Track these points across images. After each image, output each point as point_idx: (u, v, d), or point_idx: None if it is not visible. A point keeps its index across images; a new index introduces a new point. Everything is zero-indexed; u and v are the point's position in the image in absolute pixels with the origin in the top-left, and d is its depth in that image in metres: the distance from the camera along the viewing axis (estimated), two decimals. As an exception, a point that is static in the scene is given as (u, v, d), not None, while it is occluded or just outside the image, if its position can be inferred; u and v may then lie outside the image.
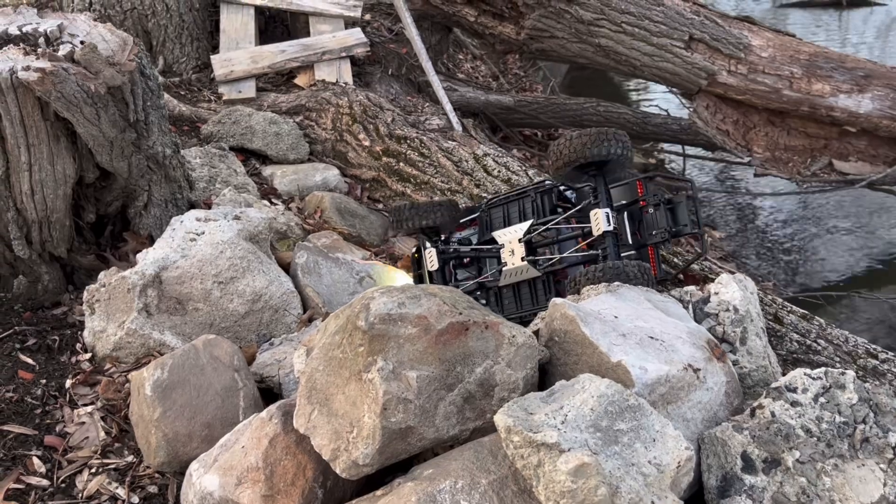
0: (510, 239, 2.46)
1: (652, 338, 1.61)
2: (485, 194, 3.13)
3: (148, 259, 2.40)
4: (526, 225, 2.43)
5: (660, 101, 6.80)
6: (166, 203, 2.77)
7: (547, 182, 2.49)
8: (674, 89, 5.07)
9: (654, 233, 2.24)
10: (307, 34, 4.38)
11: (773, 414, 1.55)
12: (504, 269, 2.45)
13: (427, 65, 3.88)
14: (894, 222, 5.58)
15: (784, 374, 2.18)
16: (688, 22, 4.45)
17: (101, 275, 2.43)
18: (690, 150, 6.07)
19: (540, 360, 1.62)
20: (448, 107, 3.74)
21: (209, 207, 3.01)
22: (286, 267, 2.76)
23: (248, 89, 3.89)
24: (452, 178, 3.27)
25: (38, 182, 2.39)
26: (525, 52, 4.84)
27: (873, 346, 2.26)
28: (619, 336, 1.59)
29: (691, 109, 4.70)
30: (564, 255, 2.35)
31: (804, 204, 5.83)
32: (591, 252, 2.29)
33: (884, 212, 5.68)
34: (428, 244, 2.65)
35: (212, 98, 3.96)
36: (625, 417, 1.36)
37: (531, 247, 2.42)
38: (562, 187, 2.49)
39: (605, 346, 1.55)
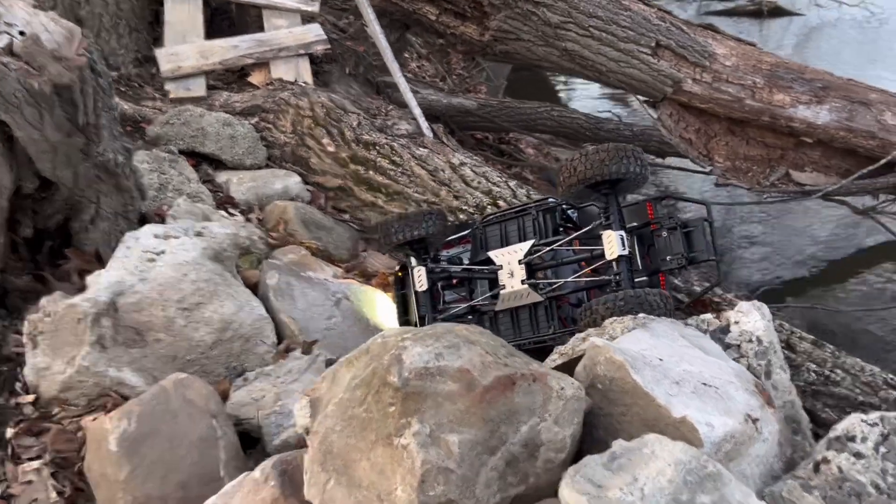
0: (509, 260, 2.26)
1: (705, 384, 1.45)
2: (465, 207, 2.93)
3: (101, 283, 2.09)
4: (527, 245, 2.24)
5: (586, 102, 6.81)
6: (116, 216, 2.45)
7: (550, 200, 2.31)
8: (638, 96, 4.99)
9: (668, 258, 2.09)
10: (258, 28, 4.07)
11: (840, 469, 1.41)
12: (502, 292, 2.26)
13: (393, 65, 3.65)
14: (837, 232, 5.67)
15: (805, 408, 2.07)
16: (654, 28, 4.36)
17: (44, 301, 2.11)
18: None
19: (582, 410, 1.43)
20: (417, 111, 3.52)
21: (162, 220, 2.69)
22: (253, 287, 2.49)
23: (198, 87, 3.57)
24: (428, 188, 3.05)
25: (-32, 194, 2.05)
26: (488, 55, 4.66)
27: (889, 376, 2.18)
28: (673, 384, 1.42)
29: (656, 117, 4.63)
30: (571, 279, 2.17)
31: (747, 213, 5.86)
32: (603, 277, 2.12)
33: (822, 221, 5.77)
34: (415, 262, 2.43)
35: (156, 96, 3.61)
36: (705, 488, 1.18)
37: (532, 269, 2.24)
38: (564, 206, 2.31)
39: (661, 397, 1.37)
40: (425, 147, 3.34)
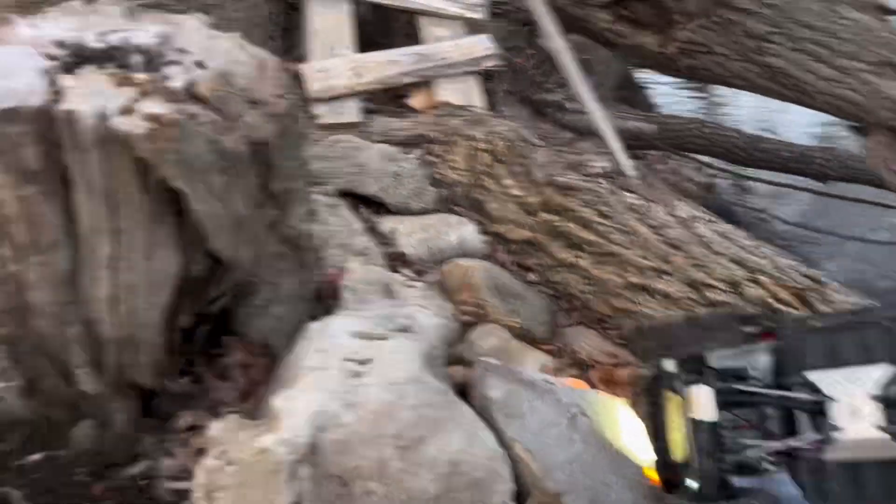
0: (851, 392, 1.60)
1: None
2: (712, 282, 2.27)
3: (298, 413, 1.51)
4: (880, 372, 1.58)
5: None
6: (295, 298, 1.88)
7: (907, 307, 1.64)
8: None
9: None
10: (406, 38, 3.48)
11: None
12: (839, 436, 1.60)
13: (582, 88, 3.01)
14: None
15: None
16: (878, 41, 3.61)
17: (218, 431, 1.55)
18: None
19: None
20: (615, 143, 2.87)
21: (335, 294, 2.12)
22: (459, 393, 1.89)
23: (351, 112, 2.99)
24: (656, 252, 2.40)
25: (125, 286, 1.50)
26: (668, 68, 3.99)
27: None
28: None
29: (865, 146, 3.89)
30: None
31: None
32: None
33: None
34: (677, 370, 1.79)
35: (300, 119, 3.05)
36: None
37: (891, 408, 1.57)
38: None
39: None
40: (632, 192, 2.69)
